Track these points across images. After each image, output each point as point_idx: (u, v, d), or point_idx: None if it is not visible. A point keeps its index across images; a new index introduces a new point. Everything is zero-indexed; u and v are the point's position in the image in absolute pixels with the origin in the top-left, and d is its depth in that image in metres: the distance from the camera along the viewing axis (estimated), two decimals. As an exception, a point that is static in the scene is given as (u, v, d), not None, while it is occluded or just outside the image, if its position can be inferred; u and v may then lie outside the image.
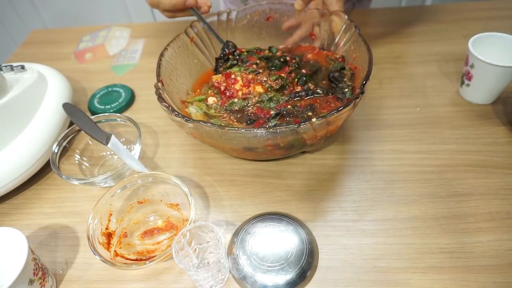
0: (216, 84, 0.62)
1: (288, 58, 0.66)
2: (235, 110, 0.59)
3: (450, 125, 0.66)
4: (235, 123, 0.58)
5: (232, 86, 0.61)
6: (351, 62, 0.65)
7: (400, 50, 0.82)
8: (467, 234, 0.51)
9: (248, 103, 0.60)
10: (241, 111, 0.58)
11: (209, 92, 0.63)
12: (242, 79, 0.61)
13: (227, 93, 0.61)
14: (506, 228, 0.51)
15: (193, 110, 0.60)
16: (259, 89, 0.61)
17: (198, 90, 0.66)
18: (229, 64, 0.66)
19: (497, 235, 0.51)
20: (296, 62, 0.67)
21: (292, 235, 0.51)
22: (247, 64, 0.65)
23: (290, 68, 0.64)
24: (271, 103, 0.59)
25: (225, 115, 0.59)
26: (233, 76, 0.62)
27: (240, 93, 0.61)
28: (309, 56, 0.70)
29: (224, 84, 0.62)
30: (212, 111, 0.60)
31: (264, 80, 0.61)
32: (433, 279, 0.47)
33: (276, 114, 0.57)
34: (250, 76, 0.62)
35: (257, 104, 0.59)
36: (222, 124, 0.57)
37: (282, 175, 0.61)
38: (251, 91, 0.61)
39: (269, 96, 0.60)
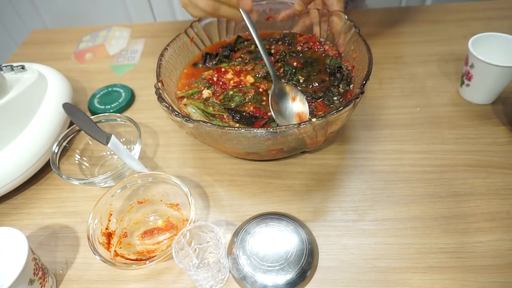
0: (208, 77, 0.65)
1: (273, 51, 0.69)
2: (234, 110, 0.59)
3: (450, 125, 0.66)
4: (236, 125, 0.58)
5: (224, 76, 0.65)
6: (347, 59, 0.65)
7: (400, 50, 0.82)
8: (467, 234, 0.51)
9: (245, 98, 0.61)
10: (239, 112, 0.59)
11: (200, 86, 0.64)
12: (232, 70, 0.65)
13: (220, 83, 0.63)
14: (506, 228, 0.51)
15: (191, 110, 0.60)
16: (249, 78, 0.64)
17: (186, 87, 0.66)
18: (217, 59, 0.69)
19: (497, 235, 0.51)
20: (283, 51, 0.68)
21: (292, 235, 0.51)
22: (233, 59, 0.69)
23: (275, 58, 0.67)
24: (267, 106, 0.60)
25: (225, 115, 0.59)
26: (223, 70, 0.66)
27: (232, 82, 0.63)
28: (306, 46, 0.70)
29: (216, 75, 0.65)
30: (210, 109, 0.60)
31: (251, 69, 0.65)
32: (433, 279, 0.47)
33: None
34: (238, 67, 0.66)
35: (255, 103, 0.60)
36: (222, 124, 0.57)
37: (282, 175, 0.61)
38: (242, 80, 0.63)
39: (262, 90, 0.62)
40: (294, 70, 0.64)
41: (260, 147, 0.52)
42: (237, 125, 0.58)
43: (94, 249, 0.48)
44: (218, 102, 0.61)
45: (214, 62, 0.69)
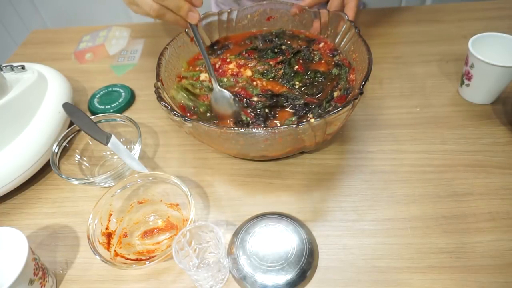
0: (212, 63, 0.67)
1: (284, 47, 0.69)
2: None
3: (450, 125, 0.66)
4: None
5: (226, 65, 0.67)
6: (353, 66, 0.63)
7: (400, 50, 0.82)
8: (467, 234, 0.51)
9: (235, 86, 0.63)
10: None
11: (202, 69, 0.67)
12: (236, 62, 0.67)
13: (220, 70, 0.67)
14: (506, 228, 0.52)
15: (176, 94, 0.62)
16: (248, 72, 0.65)
17: (191, 67, 0.69)
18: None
19: (497, 235, 0.51)
20: (292, 52, 0.67)
21: (292, 235, 0.51)
22: (242, 53, 0.71)
23: (282, 58, 0.67)
24: (254, 91, 0.62)
25: (208, 95, 0.62)
26: (228, 60, 0.68)
27: (230, 71, 0.66)
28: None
29: (220, 63, 0.68)
30: (197, 90, 0.63)
31: (253, 65, 0.67)
32: (433, 279, 0.47)
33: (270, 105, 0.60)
34: (242, 61, 0.68)
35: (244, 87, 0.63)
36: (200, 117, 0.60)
37: (282, 175, 0.61)
38: (241, 71, 0.66)
39: (255, 84, 0.64)
40: (292, 75, 0.64)
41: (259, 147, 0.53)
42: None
43: (94, 249, 0.48)
44: (210, 86, 0.63)
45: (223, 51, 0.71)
